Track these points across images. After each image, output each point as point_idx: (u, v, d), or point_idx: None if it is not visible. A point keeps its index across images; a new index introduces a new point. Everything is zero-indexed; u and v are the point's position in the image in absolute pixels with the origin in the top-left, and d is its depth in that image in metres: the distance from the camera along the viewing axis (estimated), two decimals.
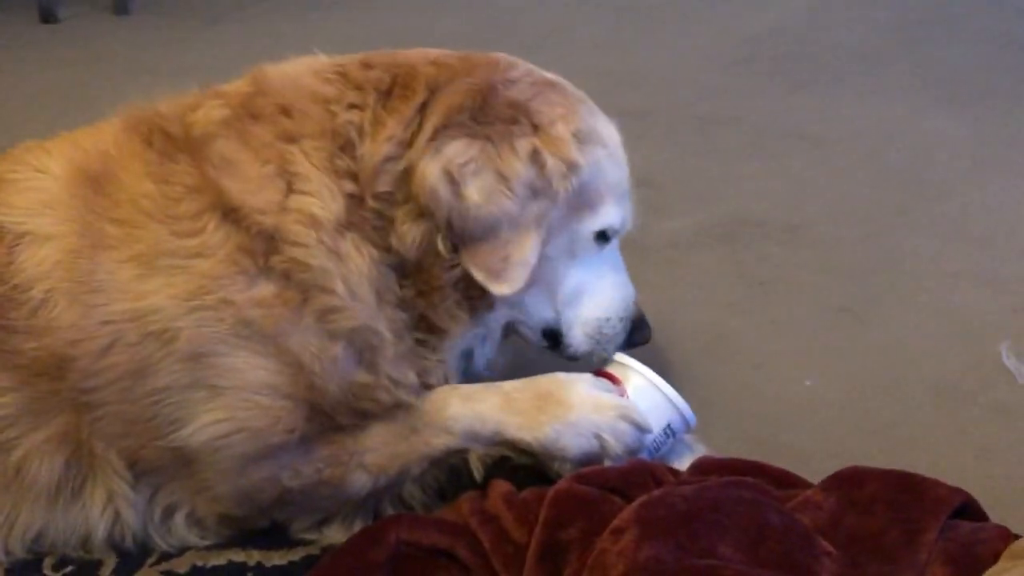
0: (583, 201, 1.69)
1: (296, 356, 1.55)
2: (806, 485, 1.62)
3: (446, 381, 1.70)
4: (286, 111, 1.64)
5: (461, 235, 1.59)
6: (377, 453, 1.63)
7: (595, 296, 1.78)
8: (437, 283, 1.63)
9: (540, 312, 1.77)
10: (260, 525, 1.69)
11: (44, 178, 1.64)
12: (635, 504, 1.42)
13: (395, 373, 1.62)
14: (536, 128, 1.62)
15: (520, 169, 1.59)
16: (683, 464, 1.73)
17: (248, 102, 1.66)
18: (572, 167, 1.64)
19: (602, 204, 1.71)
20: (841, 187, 3.05)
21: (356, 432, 1.63)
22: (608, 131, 1.75)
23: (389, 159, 1.60)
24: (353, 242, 1.58)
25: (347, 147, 1.61)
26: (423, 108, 1.62)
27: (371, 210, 1.60)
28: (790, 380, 2.17)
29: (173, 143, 1.63)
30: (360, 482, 1.64)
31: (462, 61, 1.70)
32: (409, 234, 1.60)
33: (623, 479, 1.55)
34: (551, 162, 1.61)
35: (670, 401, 1.72)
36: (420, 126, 1.60)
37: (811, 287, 2.52)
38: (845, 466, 1.60)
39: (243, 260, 1.55)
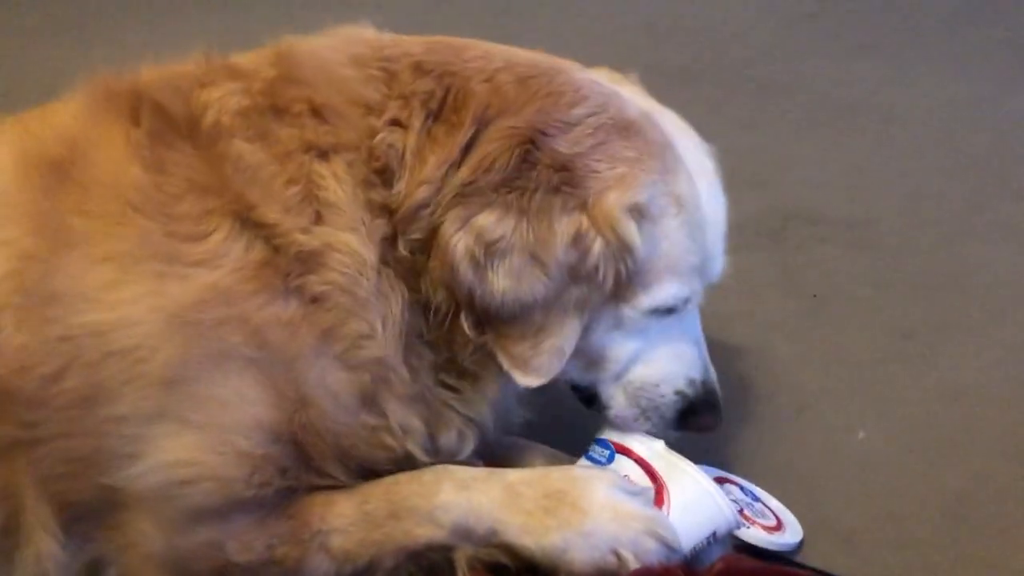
0: (634, 281, 1.41)
1: (307, 388, 1.34)
2: None
3: (459, 444, 1.46)
4: (318, 112, 1.40)
5: (485, 316, 1.37)
6: (345, 536, 1.36)
7: (645, 363, 1.51)
8: (465, 338, 1.40)
9: (573, 375, 1.52)
10: None
11: None
12: None
13: (401, 416, 1.40)
14: (584, 203, 1.36)
15: (559, 253, 1.35)
16: (708, 558, 1.42)
17: (272, 91, 1.42)
18: (624, 251, 1.38)
19: (658, 283, 1.43)
20: (909, 176, 2.69)
21: (323, 507, 1.37)
22: (690, 188, 1.46)
23: (423, 207, 1.38)
24: (388, 280, 1.38)
25: (384, 175, 1.40)
26: (467, 149, 1.38)
27: (403, 254, 1.39)
28: (839, 429, 1.86)
29: (171, 125, 1.38)
30: (321, 568, 1.37)
31: (520, 87, 1.43)
32: (439, 289, 1.39)
33: None
34: (598, 246, 1.36)
35: (721, 510, 1.42)
36: (458, 169, 1.38)
37: (870, 305, 2.19)
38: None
39: (267, 276, 1.33)
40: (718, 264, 1.53)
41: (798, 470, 1.74)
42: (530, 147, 1.36)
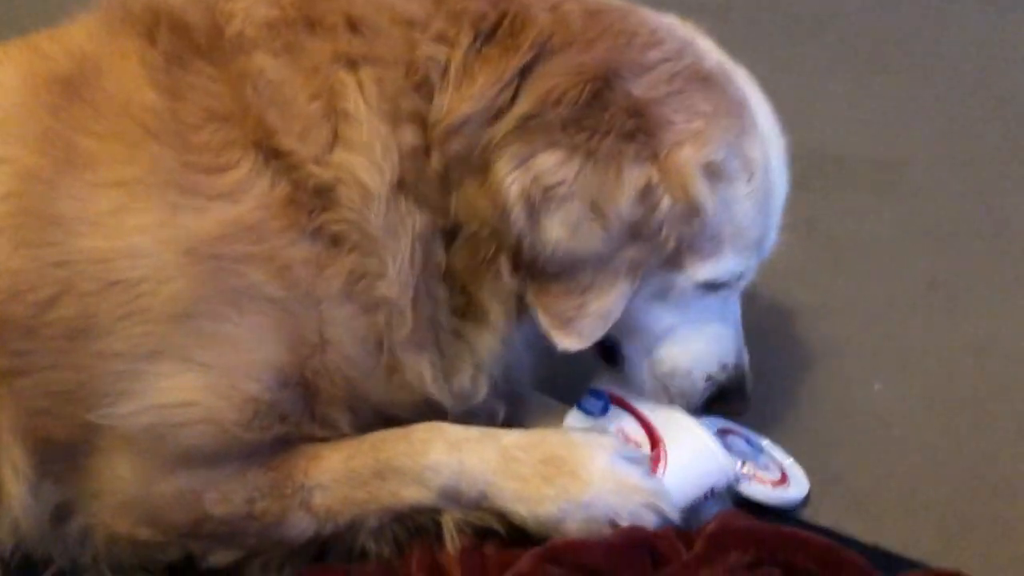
0: (694, 247, 1.31)
1: (331, 331, 1.27)
2: (854, 572, 1.24)
3: (472, 387, 1.36)
4: (353, 25, 1.29)
5: (530, 266, 1.27)
6: (328, 493, 1.30)
7: (678, 343, 1.40)
8: (492, 265, 1.30)
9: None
10: (169, 557, 1.34)
11: None
12: None
13: (412, 360, 1.31)
14: (656, 154, 1.25)
15: (623, 207, 1.24)
16: (705, 514, 1.36)
17: (305, 2, 1.31)
18: (692, 212, 1.28)
19: (717, 254, 1.33)
20: (943, 117, 2.57)
21: (308, 460, 1.30)
22: (762, 155, 1.35)
23: (470, 121, 1.26)
24: (406, 207, 1.27)
25: (422, 87, 1.28)
26: (524, 73, 1.27)
27: (436, 168, 1.28)
28: (855, 382, 1.77)
29: (190, 42, 1.29)
30: (301, 525, 1.30)
31: (589, 20, 1.31)
32: (476, 209, 1.28)
33: (610, 559, 1.18)
34: (666, 204, 1.26)
35: (720, 466, 1.35)
36: (514, 98, 1.26)
37: (895, 253, 2.09)
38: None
39: (293, 214, 1.24)
40: (772, 241, 1.43)
41: (809, 423, 1.66)
42: (603, 86, 1.24)
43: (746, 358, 1.47)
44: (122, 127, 1.24)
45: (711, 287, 1.35)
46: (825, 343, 1.84)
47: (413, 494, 1.28)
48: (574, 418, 1.40)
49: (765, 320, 1.87)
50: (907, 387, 1.75)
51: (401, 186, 1.26)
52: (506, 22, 1.29)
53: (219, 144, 1.23)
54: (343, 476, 1.29)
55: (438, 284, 1.31)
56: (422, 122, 1.27)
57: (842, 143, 2.43)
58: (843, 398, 1.72)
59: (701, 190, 1.27)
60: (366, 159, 1.25)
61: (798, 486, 1.51)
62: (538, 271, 1.26)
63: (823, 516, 1.49)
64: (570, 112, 1.23)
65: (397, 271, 1.26)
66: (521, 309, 1.33)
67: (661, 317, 1.37)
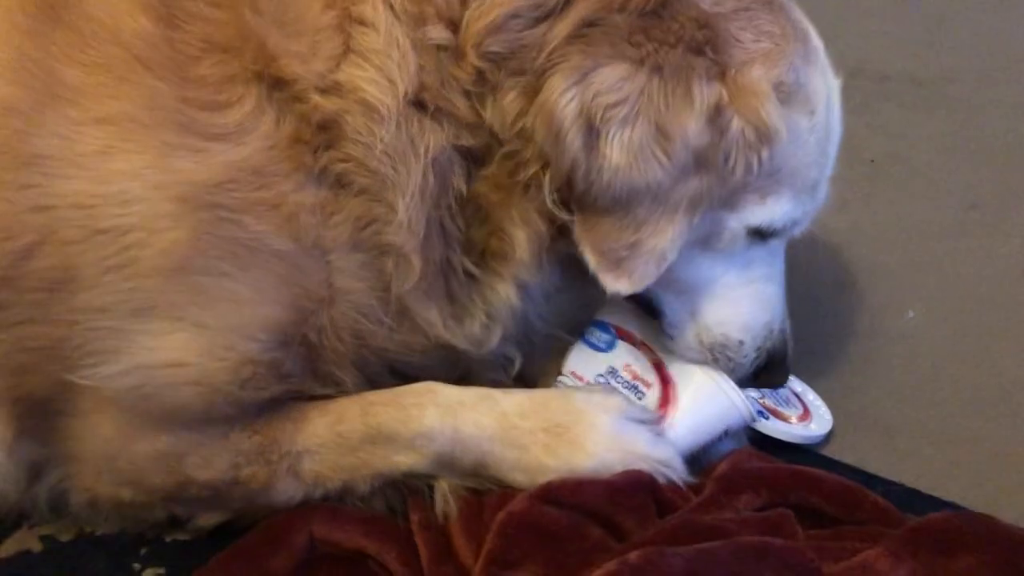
0: (753, 184, 1.19)
1: (341, 283, 1.17)
2: (874, 514, 1.16)
3: (484, 334, 1.26)
4: None
5: (580, 197, 1.14)
6: (317, 459, 1.22)
7: (726, 306, 1.29)
8: (529, 190, 1.18)
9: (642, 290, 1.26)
10: (153, 518, 1.27)
11: None
12: None
13: (421, 307, 1.21)
14: (725, 72, 1.13)
15: (691, 128, 1.11)
16: (718, 452, 1.30)
17: None
18: (764, 138, 1.15)
19: (775, 194, 1.21)
20: (988, 31, 2.46)
21: (295, 423, 1.22)
22: (824, 88, 1.24)
23: (515, 16, 1.13)
24: (420, 126, 1.15)
25: None
26: None
27: (468, 74, 1.15)
28: (887, 309, 1.68)
29: None
30: (289, 491, 1.22)
31: None
32: (518, 124, 1.15)
33: (612, 500, 1.11)
34: (736, 126, 1.13)
35: (734, 404, 1.27)
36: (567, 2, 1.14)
37: (934, 172, 1.99)
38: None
39: (300, 154, 1.13)
40: (825, 190, 1.31)
41: (836, 354, 1.58)
42: None
43: (788, 324, 1.37)
44: (111, 56, 1.11)
45: (762, 235, 1.24)
46: (856, 269, 1.76)
47: (406, 460, 1.21)
48: (578, 355, 1.32)
49: (792, 244, 1.78)
50: (942, 314, 1.66)
51: (418, 101, 1.15)
52: None
53: (219, 78, 1.11)
54: (332, 442, 1.21)
55: (454, 217, 1.20)
56: (453, 23, 1.15)
57: (881, 57, 2.32)
58: (873, 327, 1.64)
59: (774, 112, 1.15)
60: (376, 71, 1.13)
61: (821, 422, 1.44)
62: (589, 203, 1.14)
63: (847, 452, 1.42)
64: (636, 20, 1.11)
65: (407, 211, 1.15)
66: (549, 247, 1.22)
67: (705, 269, 1.26)
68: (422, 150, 1.15)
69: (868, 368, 1.56)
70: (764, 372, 1.32)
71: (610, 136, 1.10)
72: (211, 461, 1.19)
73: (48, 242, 1.09)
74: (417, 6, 1.14)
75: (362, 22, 1.13)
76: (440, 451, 1.20)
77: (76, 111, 1.09)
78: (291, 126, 1.13)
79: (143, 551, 1.27)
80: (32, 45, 1.11)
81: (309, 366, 1.20)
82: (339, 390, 1.24)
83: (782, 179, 1.20)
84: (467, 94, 1.16)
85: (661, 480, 1.17)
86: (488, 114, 1.16)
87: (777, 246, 1.30)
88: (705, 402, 1.26)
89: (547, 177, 1.14)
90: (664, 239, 1.15)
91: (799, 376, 1.51)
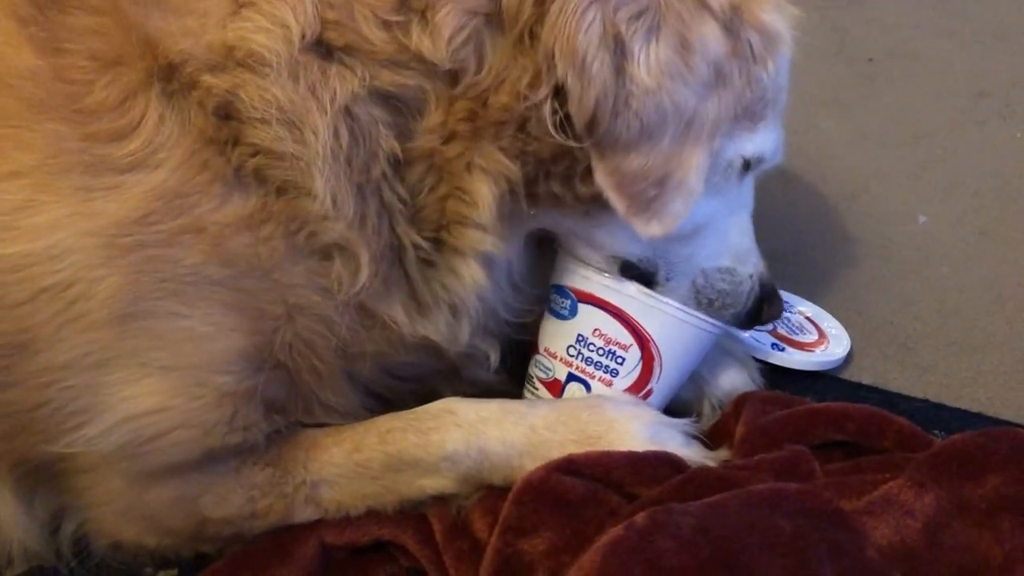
0: (750, 107, 1.12)
1: (293, 299, 1.09)
2: (898, 440, 1.11)
3: (449, 332, 1.17)
4: None
5: (603, 135, 1.04)
6: (336, 488, 1.16)
7: (720, 239, 1.21)
8: (494, 114, 1.06)
9: (624, 241, 1.17)
10: (182, 555, 1.21)
11: None
12: (603, 543, 0.93)
13: (374, 304, 1.12)
14: None
15: (710, 36, 1.05)
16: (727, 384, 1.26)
17: None
18: (770, 46, 1.09)
19: (763, 119, 1.14)
20: None
21: (307, 452, 1.16)
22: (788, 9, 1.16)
23: None
24: (322, 77, 1.03)
25: None
26: None
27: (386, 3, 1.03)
28: (896, 216, 1.62)
29: None
30: (310, 519, 1.17)
31: None
32: (453, 31, 1.03)
33: (633, 471, 1.06)
34: (747, 33, 1.07)
35: (712, 334, 1.20)
36: None
37: (937, 63, 1.90)
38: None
39: (212, 159, 1.04)
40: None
41: (846, 269, 1.52)
42: None
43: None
44: (5, 105, 1.03)
45: (748, 166, 1.17)
46: (862, 176, 1.69)
47: (432, 484, 1.15)
48: (546, 328, 1.22)
49: (793, 155, 1.70)
50: (956, 216, 1.60)
51: (320, 42, 1.03)
52: None
53: (116, 99, 1.03)
54: (350, 471, 1.16)
55: (392, 186, 1.09)
56: None
57: None
58: (884, 237, 1.58)
59: (777, 17, 1.10)
60: (265, 18, 1.02)
61: (838, 344, 1.38)
62: (612, 140, 1.05)
63: (867, 372, 1.37)
64: None
65: (325, 185, 1.04)
66: (514, 209, 1.11)
67: (703, 204, 1.14)
68: (326, 100, 1.03)
69: (881, 282, 1.50)
70: (763, 304, 1.24)
71: (637, 54, 1.02)
72: (226, 498, 1.15)
73: None
74: None
75: None
76: (467, 472, 1.14)
77: None
78: (196, 125, 1.04)
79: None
80: None
81: (294, 390, 1.14)
82: (337, 416, 1.18)
83: (767, 103, 1.13)
84: (384, 24, 1.04)
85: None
86: (415, 39, 1.04)
87: (748, 185, 1.23)
88: (687, 346, 1.18)
89: (545, 106, 1.04)
90: (691, 170, 1.07)
91: (810, 298, 1.46)
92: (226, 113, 1.03)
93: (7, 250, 1.02)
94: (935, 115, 1.79)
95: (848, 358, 1.38)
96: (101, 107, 1.02)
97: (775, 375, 1.32)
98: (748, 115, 1.12)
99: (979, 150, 1.71)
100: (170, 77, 1.03)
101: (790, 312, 1.41)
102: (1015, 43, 1.91)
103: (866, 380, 1.36)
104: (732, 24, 1.06)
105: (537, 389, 1.22)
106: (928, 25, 1.99)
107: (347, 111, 1.03)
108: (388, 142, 1.06)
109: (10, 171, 1.02)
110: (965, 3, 2.03)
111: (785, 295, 1.41)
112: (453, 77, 1.05)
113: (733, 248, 1.22)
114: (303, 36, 1.01)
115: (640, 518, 0.94)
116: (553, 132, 1.05)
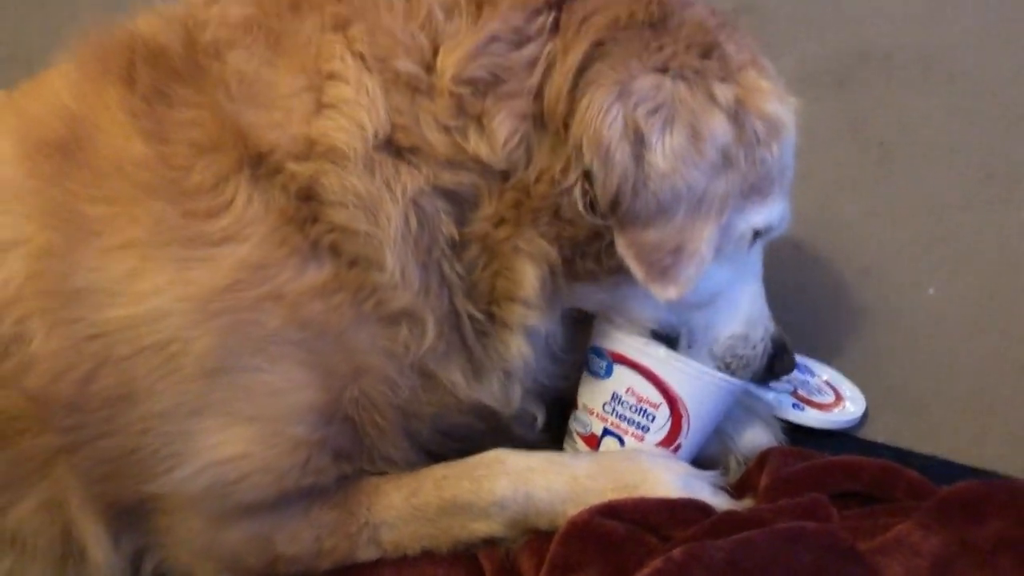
0: (757, 184, 1.25)
1: (360, 359, 1.21)
2: (909, 491, 1.21)
3: (503, 394, 1.30)
4: None
5: (625, 213, 1.18)
6: (395, 530, 1.28)
7: (733, 307, 1.34)
8: (535, 202, 1.20)
9: (650, 309, 1.30)
10: None
11: None
12: (644, 574, 1.04)
13: (443, 369, 1.25)
14: (733, 72, 1.21)
15: (718, 126, 1.18)
16: (751, 441, 1.38)
17: None
18: (774, 132, 1.23)
19: (772, 194, 1.28)
20: (988, 2, 2.42)
21: (370, 496, 1.28)
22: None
23: (496, 40, 1.18)
24: (394, 172, 1.18)
25: (427, 25, 1.20)
26: (558, 6, 1.20)
27: (446, 102, 1.18)
28: (907, 288, 1.72)
29: (168, 69, 1.22)
30: (371, 558, 1.29)
31: None
32: (506, 136, 1.18)
33: (668, 514, 1.17)
34: (751, 122, 1.21)
35: (731, 391, 1.31)
36: (556, 28, 1.19)
37: (946, 147, 1.99)
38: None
39: (292, 236, 1.18)
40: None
41: (861, 337, 1.63)
42: (664, 10, 1.20)
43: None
44: (119, 187, 1.19)
45: (758, 235, 1.31)
46: (875, 252, 1.79)
47: (483, 528, 1.25)
48: (585, 386, 1.34)
49: (810, 232, 1.83)
50: (963, 288, 1.69)
51: (390, 142, 1.18)
52: None
53: (212, 181, 1.18)
54: (408, 514, 1.27)
55: (452, 264, 1.23)
56: (425, 61, 1.19)
57: (886, 38, 2.32)
58: (896, 307, 1.68)
59: (778, 107, 1.24)
60: (345, 119, 1.17)
61: (854, 405, 1.49)
62: (633, 217, 1.18)
63: (881, 431, 1.47)
64: (647, 32, 1.19)
65: (395, 260, 1.18)
66: (555, 286, 1.25)
67: (715, 274, 1.28)
68: (399, 192, 1.18)
69: (894, 348, 1.60)
70: (775, 360, 1.37)
71: (654, 144, 1.15)
72: (296, 536, 1.25)
73: (105, 364, 1.18)
74: (385, 50, 1.18)
75: (332, 76, 1.18)
76: (515, 517, 1.24)
77: (101, 242, 1.18)
78: (278, 205, 1.17)
79: None
80: (56, 189, 1.20)
81: (359, 441, 1.26)
82: (396, 467, 1.29)
83: (774, 179, 1.26)
84: (445, 129, 1.18)
85: None
86: (472, 144, 1.18)
87: (758, 251, 1.36)
88: (712, 403, 1.29)
89: (575, 189, 1.18)
90: (702, 241, 1.20)
91: (828, 362, 1.56)
92: (307, 196, 1.17)
93: (116, 313, 1.17)
94: (944, 194, 1.89)
95: (864, 418, 1.49)
96: (198, 189, 1.17)
97: (796, 433, 1.43)
98: (756, 191, 1.25)
99: (985, 228, 1.80)
100: (258, 163, 1.17)
101: (809, 376, 1.52)
102: (1020, 130, 2.03)
103: (880, 438, 1.45)
104: (738, 115, 1.19)
105: (576, 442, 1.33)
106: (937, 111, 2.10)
107: (415, 202, 1.18)
108: (448, 228, 1.21)
109: (121, 243, 1.17)
110: (973, 90, 2.15)
111: (805, 360, 1.53)
112: (505, 174, 1.20)
113: (746, 315, 1.34)
114: (376, 135, 1.17)
115: (677, 552, 1.04)
116: (582, 211, 1.18)
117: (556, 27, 1.19)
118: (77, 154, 1.21)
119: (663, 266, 1.20)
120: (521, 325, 1.25)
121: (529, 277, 1.23)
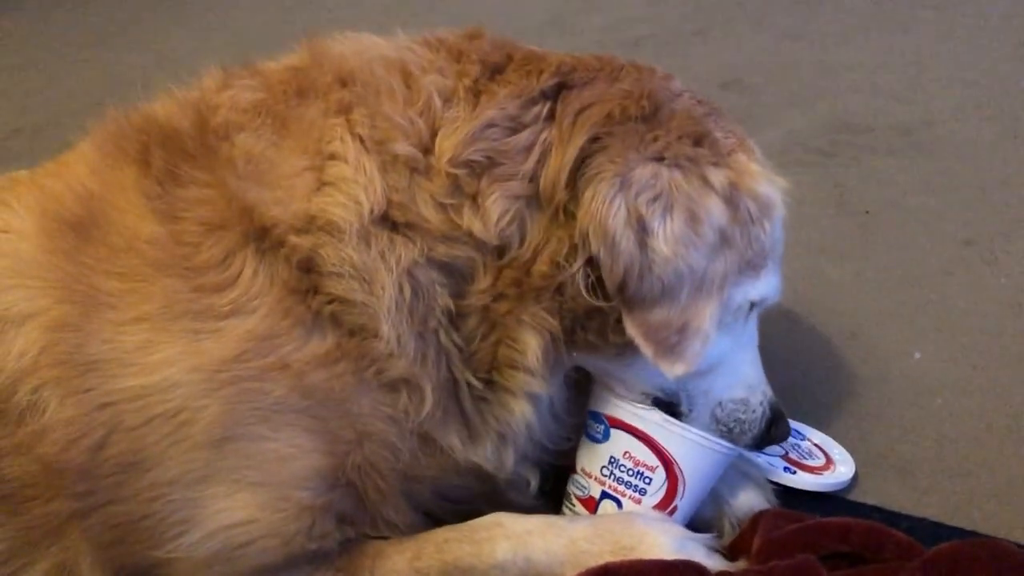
0: (753, 260, 1.30)
1: (362, 426, 1.25)
2: (897, 551, 1.24)
3: (496, 458, 1.33)
4: (345, 81, 1.29)
5: (631, 296, 1.23)
6: None
7: (733, 373, 1.38)
8: (536, 281, 1.26)
9: (652, 377, 1.34)
10: None
11: (7, 239, 1.29)
12: None
13: (440, 433, 1.29)
14: (723, 157, 1.28)
15: (714, 208, 1.24)
16: (745, 504, 1.40)
17: (295, 78, 1.32)
18: (765, 211, 1.29)
19: (765, 268, 1.32)
20: (967, 70, 2.54)
21: (373, 559, 1.30)
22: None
23: (493, 125, 1.25)
24: (389, 244, 1.23)
25: (425, 112, 1.26)
26: (553, 98, 1.27)
27: (443, 181, 1.24)
28: (894, 353, 1.76)
29: (181, 151, 1.28)
30: None
31: (599, 60, 1.34)
32: (499, 216, 1.24)
33: (663, 574, 1.20)
34: (745, 203, 1.27)
35: (726, 456, 1.35)
36: (551, 118, 1.26)
37: (928, 214, 2.07)
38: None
39: (295, 307, 1.23)
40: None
41: (849, 401, 1.66)
42: (654, 104, 1.26)
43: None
44: (133, 264, 1.24)
45: (754, 307, 1.36)
46: (861, 317, 1.83)
47: None
48: (583, 450, 1.38)
49: (797, 299, 1.88)
50: (948, 352, 1.73)
51: (385, 217, 1.23)
52: (516, 58, 1.31)
53: (220, 257, 1.23)
54: None
55: (449, 334, 1.27)
56: (422, 143, 1.25)
57: (866, 110, 2.42)
58: (882, 371, 1.71)
59: (768, 188, 1.29)
60: (343, 196, 1.22)
61: (844, 467, 1.52)
62: (639, 299, 1.22)
63: (870, 493, 1.50)
64: (642, 125, 1.25)
65: (390, 329, 1.22)
66: (557, 355, 1.29)
67: (715, 343, 1.29)
68: (393, 263, 1.23)
69: (882, 412, 1.63)
70: (772, 426, 1.40)
71: (656, 230, 1.20)
72: None
73: (116, 432, 1.22)
74: (384, 133, 1.25)
75: (332, 157, 1.24)
76: None
77: (114, 315, 1.23)
78: (282, 277, 1.22)
79: None
80: (72, 264, 1.25)
81: (362, 506, 1.28)
82: (397, 531, 1.31)
83: (768, 254, 1.31)
84: (440, 206, 1.24)
85: None
86: (466, 220, 1.24)
87: (753, 320, 1.40)
88: (706, 467, 1.32)
89: (579, 273, 1.23)
90: (705, 321, 1.24)
91: (818, 428, 1.60)
92: (307, 267, 1.22)
93: (128, 383, 1.21)
94: (927, 261, 1.96)
95: (853, 481, 1.51)
96: (207, 264, 1.22)
97: (788, 496, 1.46)
98: (751, 267, 1.30)
99: (968, 293, 1.86)
100: (263, 237, 1.23)
101: (800, 440, 1.56)
102: (998, 196, 2.09)
103: (869, 500, 1.48)
104: (732, 196, 1.25)
105: (574, 505, 1.37)
106: (919, 181, 2.18)
107: (409, 273, 1.23)
108: (443, 299, 1.26)
109: (134, 317, 1.22)
110: (952, 160, 2.23)
111: (796, 425, 1.57)
112: (499, 250, 1.25)
113: (744, 380, 1.38)
114: (372, 211, 1.22)
115: None
116: (586, 295, 1.24)
117: (551, 116, 1.26)
118: (93, 232, 1.26)
119: (670, 344, 1.24)
120: (524, 391, 1.29)
121: (532, 346, 1.27)
